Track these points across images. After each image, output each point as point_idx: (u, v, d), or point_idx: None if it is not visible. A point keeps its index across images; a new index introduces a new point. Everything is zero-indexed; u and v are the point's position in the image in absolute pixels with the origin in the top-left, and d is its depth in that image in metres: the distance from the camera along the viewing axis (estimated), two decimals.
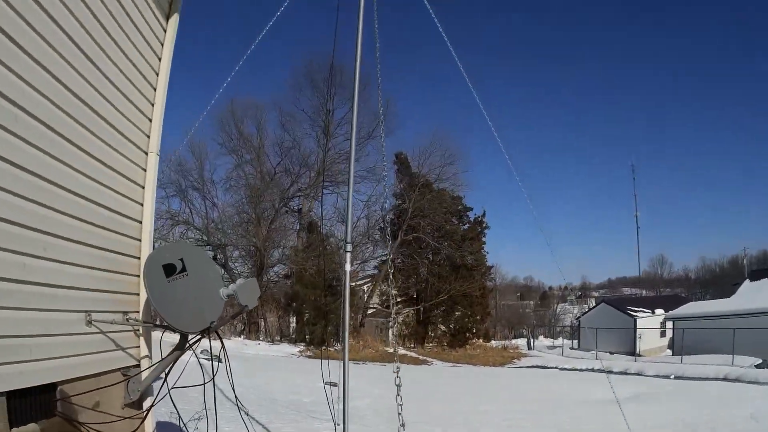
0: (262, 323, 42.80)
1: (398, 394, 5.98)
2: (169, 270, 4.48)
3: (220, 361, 4.81)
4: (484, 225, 49.84)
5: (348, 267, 6.50)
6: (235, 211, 44.80)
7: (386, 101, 36.80)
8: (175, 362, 4.76)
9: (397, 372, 6.12)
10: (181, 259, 4.56)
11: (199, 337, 4.68)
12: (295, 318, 45.52)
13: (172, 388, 4.97)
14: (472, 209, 49.70)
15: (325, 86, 41.39)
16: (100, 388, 4.58)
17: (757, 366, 29.31)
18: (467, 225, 49.76)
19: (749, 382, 25.20)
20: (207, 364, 5.06)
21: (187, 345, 4.71)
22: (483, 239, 49.67)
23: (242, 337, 39.37)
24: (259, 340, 40.03)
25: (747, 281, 46.93)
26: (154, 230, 5.89)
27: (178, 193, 42.71)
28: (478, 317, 48.95)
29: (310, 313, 40.52)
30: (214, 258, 41.32)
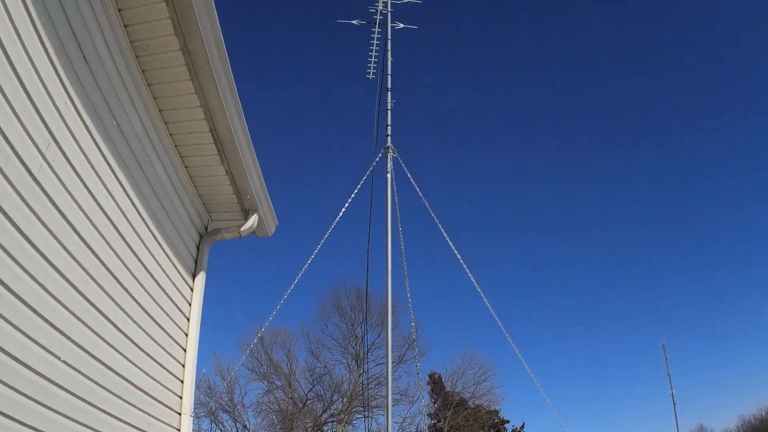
0: None
1: None
2: None
3: None
4: None
5: None
6: None
7: (416, 324, 36.37)
8: None
9: None
10: None
11: None
12: None
13: None
14: (509, 422, 47.03)
15: (352, 313, 41.28)
16: None
17: None
18: None
19: None
20: None
21: None
22: None
23: None
24: None
25: None
26: None
27: (208, 414, 41.07)
28: None
29: None
30: None
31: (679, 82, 48.23)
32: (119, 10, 4.24)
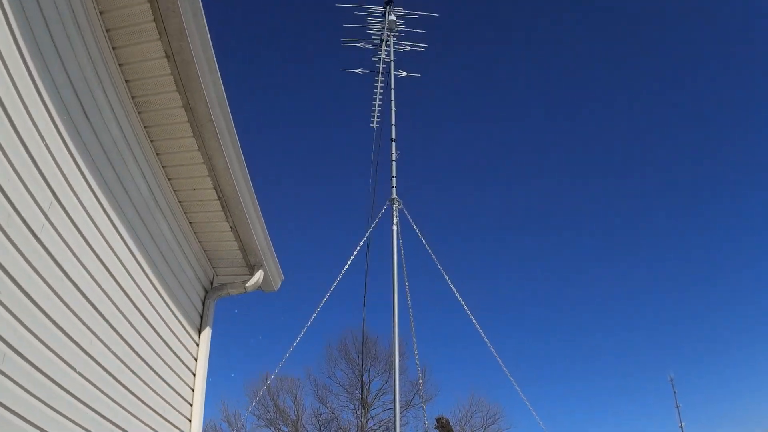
0: None
1: None
2: None
3: None
4: None
5: None
6: None
7: (423, 369, 35.98)
8: None
9: None
10: None
11: None
12: None
13: None
14: None
15: (359, 359, 40.81)
16: None
17: None
18: None
19: None
20: None
21: None
22: None
23: None
24: None
25: None
26: None
27: None
28: None
29: None
30: None
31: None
32: (120, 65, 4.24)
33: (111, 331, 4.18)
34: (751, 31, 40.64)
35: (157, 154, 4.89)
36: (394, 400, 7.80)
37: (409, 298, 8.23)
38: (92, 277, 3.93)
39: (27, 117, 3.18)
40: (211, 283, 6.32)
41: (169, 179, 5.15)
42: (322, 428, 44.21)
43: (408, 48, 11.45)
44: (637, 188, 48.02)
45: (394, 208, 8.95)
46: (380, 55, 11.40)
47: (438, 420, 45.43)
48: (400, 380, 8.51)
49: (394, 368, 8.15)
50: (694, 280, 48.26)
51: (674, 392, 30.10)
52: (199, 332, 5.95)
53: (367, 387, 41.09)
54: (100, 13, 3.87)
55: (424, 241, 8.66)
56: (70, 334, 3.65)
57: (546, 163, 49.03)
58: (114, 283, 4.25)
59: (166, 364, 5.12)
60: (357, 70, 11.41)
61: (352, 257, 8.36)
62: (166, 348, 5.14)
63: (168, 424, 5.08)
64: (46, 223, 3.38)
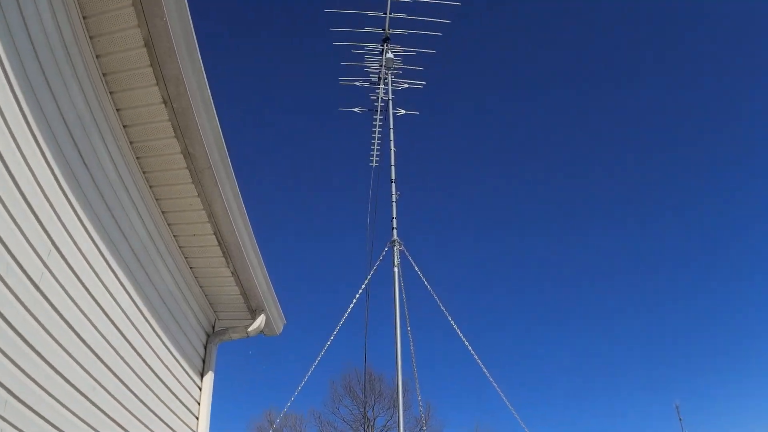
0: None
1: None
2: None
3: None
4: None
5: None
6: None
7: (427, 405, 35.59)
8: None
9: None
10: None
11: None
12: None
13: None
14: None
15: (363, 395, 40.28)
16: None
17: None
18: None
19: None
20: None
21: None
22: None
23: None
24: None
25: None
26: None
27: None
28: None
29: None
30: None
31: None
32: (118, 110, 4.22)
33: (113, 376, 4.13)
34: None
35: (157, 200, 4.87)
36: None
37: (411, 340, 8.07)
38: (92, 323, 3.89)
39: (24, 164, 3.16)
40: (213, 328, 6.25)
41: (168, 225, 5.12)
42: None
43: (406, 85, 11.41)
44: (641, 222, 47.70)
45: (395, 250, 8.82)
46: (378, 93, 11.36)
47: None
48: (404, 416, 8.34)
49: (398, 405, 7.98)
50: (703, 312, 47.70)
51: (680, 419, 29.67)
52: (202, 376, 5.88)
53: (371, 423, 40.59)
54: (97, 57, 3.87)
55: (426, 283, 8.53)
56: (72, 380, 3.60)
57: (547, 182, 48.72)
58: (115, 329, 4.20)
59: (169, 408, 5.06)
60: (356, 109, 11.36)
61: (354, 301, 8.20)
62: (169, 393, 5.08)
63: None
64: (46, 271, 3.35)
